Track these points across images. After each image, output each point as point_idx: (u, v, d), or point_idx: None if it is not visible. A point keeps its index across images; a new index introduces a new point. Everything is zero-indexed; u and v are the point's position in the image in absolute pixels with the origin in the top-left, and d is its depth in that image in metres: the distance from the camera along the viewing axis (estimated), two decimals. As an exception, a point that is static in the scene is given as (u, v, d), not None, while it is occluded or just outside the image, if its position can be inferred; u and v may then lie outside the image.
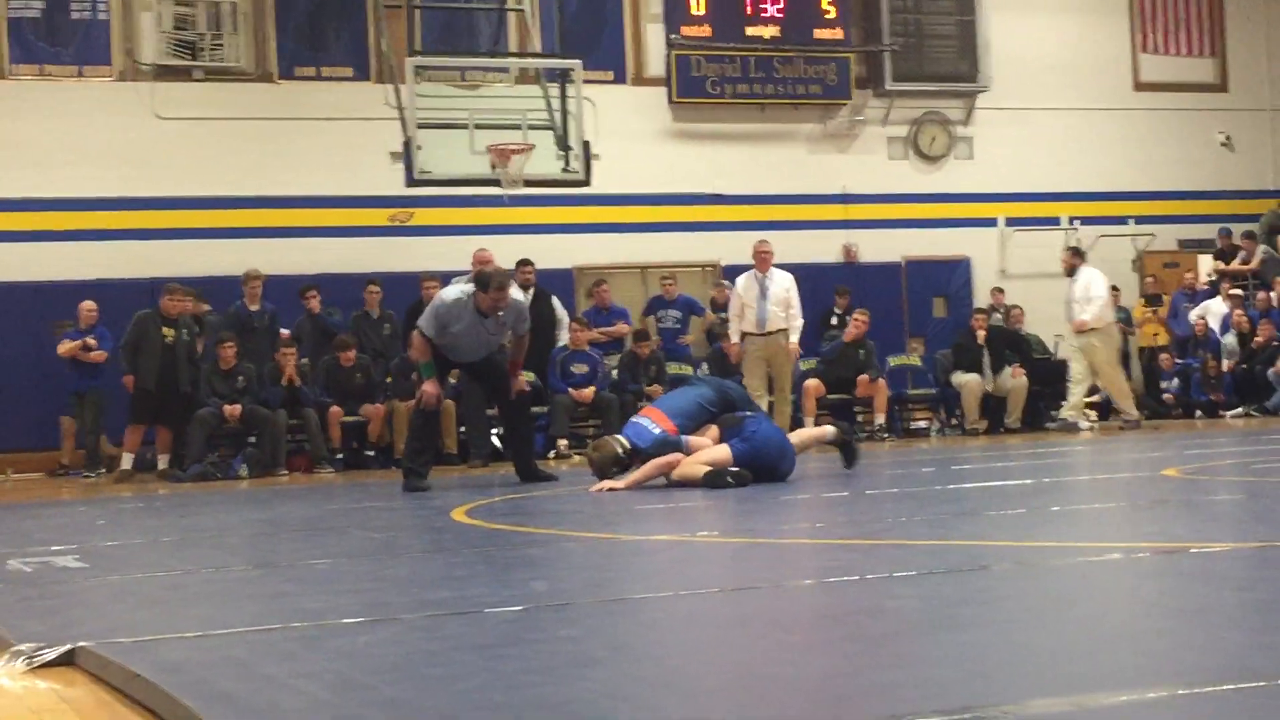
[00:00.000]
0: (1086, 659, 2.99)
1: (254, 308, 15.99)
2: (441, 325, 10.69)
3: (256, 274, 16.25)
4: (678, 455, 9.27)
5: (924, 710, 2.50)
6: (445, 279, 15.62)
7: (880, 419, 17.03)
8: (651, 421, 9.55)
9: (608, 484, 9.32)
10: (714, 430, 9.44)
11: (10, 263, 17.58)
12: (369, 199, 18.91)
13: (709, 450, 9.23)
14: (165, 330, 15.10)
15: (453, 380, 13.21)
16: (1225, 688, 2.59)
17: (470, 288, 10.77)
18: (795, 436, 10.15)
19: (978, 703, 2.55)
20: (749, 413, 9.70)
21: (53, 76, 18.33)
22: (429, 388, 10.67)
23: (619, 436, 9.71)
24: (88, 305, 16.27)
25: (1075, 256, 17.30)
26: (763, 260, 15.22)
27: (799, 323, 15.20)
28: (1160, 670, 2.87)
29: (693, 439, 9.35)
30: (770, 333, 15.00)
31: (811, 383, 16.75)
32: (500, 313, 10.68)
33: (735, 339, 15.15)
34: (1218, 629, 3.35)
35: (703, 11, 20.35)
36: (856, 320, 17.22)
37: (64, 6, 18.26)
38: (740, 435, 9.29)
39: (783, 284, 15.16)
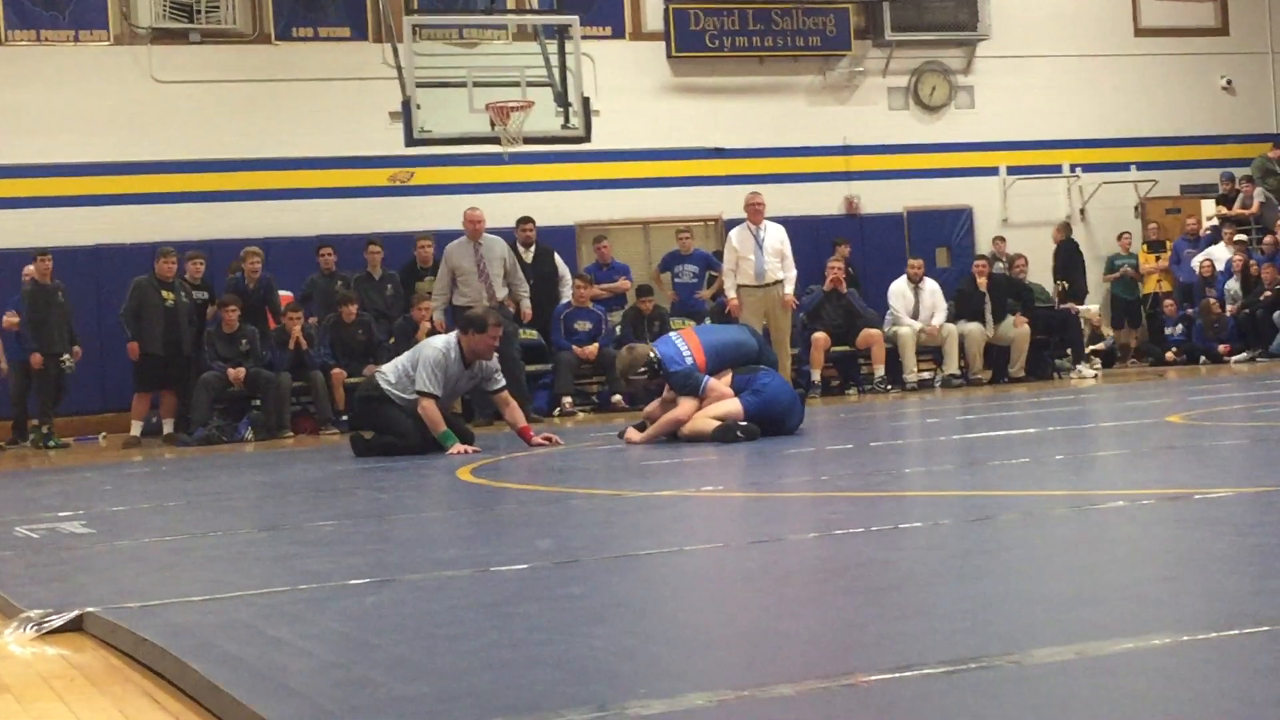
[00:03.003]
0: (1090, 607, 3.00)
1: (251, 286, 15.85)
2: (443, 376, 9.89)
3: (255, 252, 16.07)
4: (691, 406, 9.27)
5: (930, 661, 2.51)
6: (440, 238, 15.65)
7: (880, 370, 17.02)
8: (686, 347, 9.58)
9: (632, 433, 9.57)
10: (729, 375, 9.46)
11: (9, 229, 17.55)
12: (369, 159, 18.88)
13: (720, 404, 9.25)
14: (165, 294, 15.07)
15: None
16: (1228, 634, 2.60)
17: (452, 337, 10.09)
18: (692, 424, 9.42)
19: (983, 653, 2.56)
20: (761, 366, 9.71)
21: (49, 42, 18.26)
22: (460, 449, 9.66)
23: (651, 346, 9.81)
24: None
25: None
26: (755, 212, 15.16)
27: (793, 274, 15.17)
28: (1163, 617, 2.87)
29: (712, 382, 9.36)
30: (768, 285, 14.96)
31: (819, 335, 16.74)
32: (481, 361, 10.02)
33: (731, 294, 15.09)
34: (1220, 575, 3.36)
35: (700, -35, 20.25)
36: (833, 267, 17.28)
37: (59, -29, 18.20)
38: (751, 389, 9.32)
39: (777, 235, 15.11)
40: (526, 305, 14.85)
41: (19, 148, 17.90)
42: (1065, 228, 20.35)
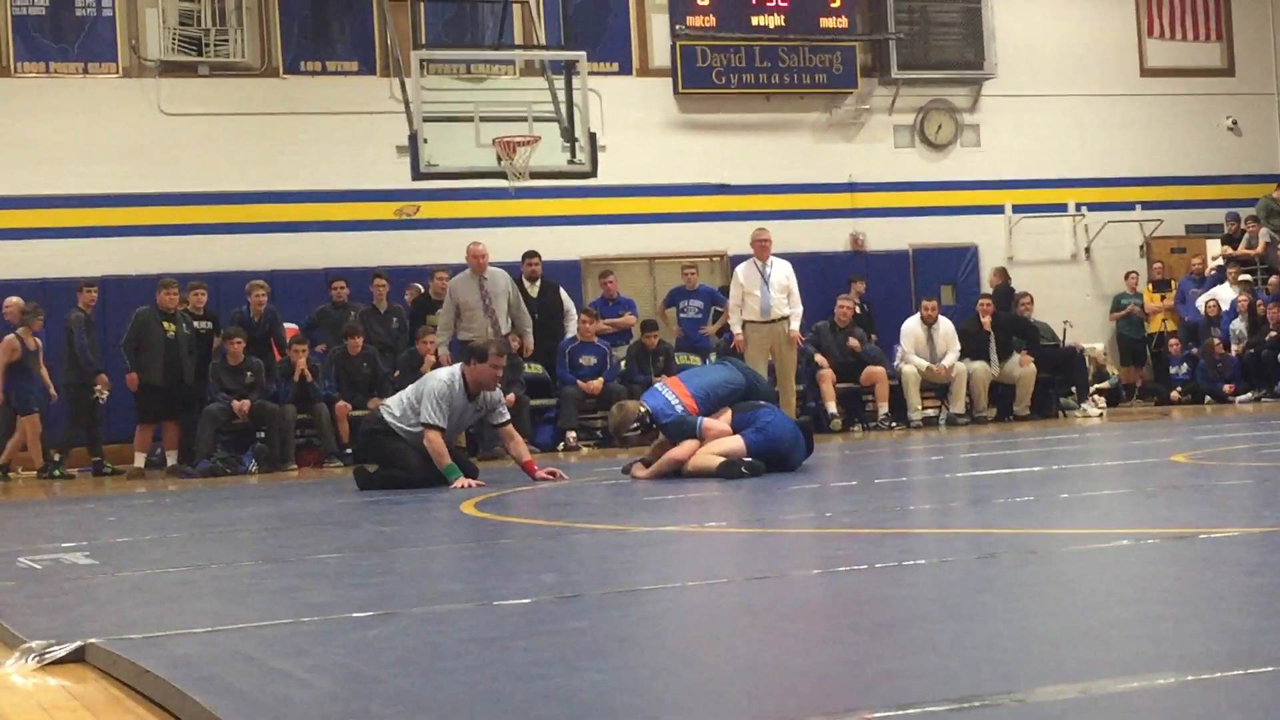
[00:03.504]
0: (1095, 646, 2.99)
1: (256, 318, 15.86)
2: (448, 408, 9.88)
3: (260, 284, 16.10)
4: (692, 445, 9.28)
5: (932, 699, 2.50)
6: (454, 271, 15.69)
7: (884, 407, 17.00)
8: (674, 395, 9.57)
9: (638, 469, 9.54)
10: (727, 413, 9.46)
11: (18, 260, 17.60)
12: (375, 193, 18.93)
13: (723, 441, 9.24)
14: (166, 325, 15.09)
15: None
16: (1234, 673, 2.59)
17: (456, 369, 10.12)
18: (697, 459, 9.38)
19: (986, 691, 2.55)
20: (763, 403, 9.71)
21: (58, 74, 18.36)
22: (464, 483, 9.60)
23: (640, 401, 9.79)
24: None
25: None
26: (762, 248, 15.19)
27: (799, 310, 15.18)
28: (1169, 656, 2.86)
29: (708, 422, 9.37)
30: (774, 320, 14.98)
31: (825, 371, 16.75)
32: (485, 394, 10.02)
33: (737, 329, 15.12)
34: (1226, 615, 3.34)
35: (707, 2, 20.36)
36: (843, 305, 17.33)
37: (69, 4, 18.30)
38: (754, 426, 9.32)
39: (783, 271, 15.14)
40: (529, 340, 14.86)
41: (27, 179, 17.97)
42: (1001, 273, 20.21)
